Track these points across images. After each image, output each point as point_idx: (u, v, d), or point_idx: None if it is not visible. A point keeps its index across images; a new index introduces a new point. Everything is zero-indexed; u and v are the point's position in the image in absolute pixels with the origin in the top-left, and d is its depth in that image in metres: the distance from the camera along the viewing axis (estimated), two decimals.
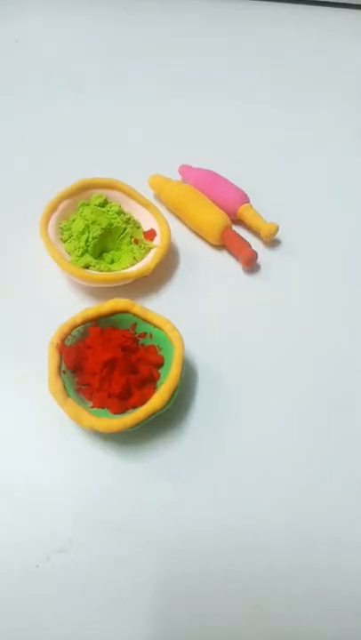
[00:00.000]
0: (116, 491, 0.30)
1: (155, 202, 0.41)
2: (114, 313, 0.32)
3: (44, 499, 0.29)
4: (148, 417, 0.29)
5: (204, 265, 0.39)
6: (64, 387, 0.30)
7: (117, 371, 0.30)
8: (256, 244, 0.39)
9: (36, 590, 0.27)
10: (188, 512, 0.29)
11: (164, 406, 0.29)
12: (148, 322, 0.32)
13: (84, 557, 0.28)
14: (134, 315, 0.32)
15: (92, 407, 0.30)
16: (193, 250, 0.40)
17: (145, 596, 0.27)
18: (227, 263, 0.39)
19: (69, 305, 0.35)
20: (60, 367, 0.30)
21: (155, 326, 0.32)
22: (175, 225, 0.41)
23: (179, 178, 0.43)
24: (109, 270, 0.36)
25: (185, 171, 0.43)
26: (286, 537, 0.29)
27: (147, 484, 0.30)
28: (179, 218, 0.41)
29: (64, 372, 0.30)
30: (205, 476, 0.30)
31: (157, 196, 0.42)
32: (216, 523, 0.29)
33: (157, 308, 0.34)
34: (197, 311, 0.36)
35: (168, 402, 0.29)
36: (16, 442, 0.31)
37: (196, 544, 0.28)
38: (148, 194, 0.41)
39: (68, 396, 0.29)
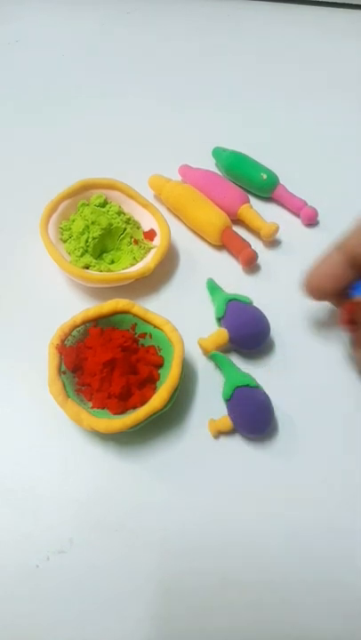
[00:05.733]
0: (116, 491, 0.30)
1: (155, 202, 0.41)
2: (114, 313, 0.32)
3: (44, 499, 0.29)
4: (148, 417, 0.29)
5: (204, 265, 0.39)
6: (64, 387, 0.30)
7: (117, 371, 0.30)
8: (256, 244, 0.39)
9: (36, 590, 0.27)
10: (188, 512, 0.29)
11: (164, 407, 0.29)
12: (149, 322, 0.32)
13: (83, 558, 0.28)
14: (134, 315, 0.32)
15: (92, 407, 0.30)
16: (193, 250, 0.40)
17: (145, 596, 0.27)
18: (227, 263, 0.39)
19: (69, 305, 0.35)
20: (60, 368, 0.30)
21: (155, 327, 0.32)
22: (175, 225, 0.41)
23: (179, 178, 0.43)
24: (109, 270, 0.36)
25: (185, 171, 0.43)
26: (286, 537, 0.29)
27: (147, 484, 0.30)
28: (179, 218, 0.41)
29: (64, 373, 0.30)
30: (205, 476, 0.30)
31: (157, 197, 0.42)
32: (216, 523, 0.29)
33: (157, 308, 0.34)
34: (197, 311, 0.36)
35: (168, 402, 0.29)
36: (16, 442, 0.31)
37: (197, 544, 0.28)
38: (148, 194, 0.41)
39: (68, 396, 0.29)
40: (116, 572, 0.28)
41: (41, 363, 0.31)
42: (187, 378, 0.33)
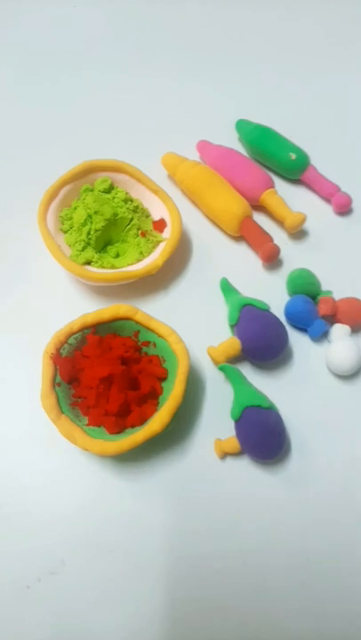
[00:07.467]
0: (113, 510, 0.28)
1: (168, 183, 0.37)
2: (115, 320, 0.29)
3: (36, 519, 0.28)
4: (147, 440, 0.26)
5: (219, 259, 0.35)
6: (58, 401, 0.27)
7: (115, 387, 0.27)
8: (279, 236, 0.35)
9: (26, 612, 0.26)
10: (189, 536, 0.27)
11: (164, 430, 0.26)
12: (152, 331, 0.29)
13: (75, 579, 0.27)
14: (137, 322, 0.29)
15: (87, 425, 0.28)
16: (207, 241, 0.36)
17: (138, 620, 0.26)
18: (245, 257, 0.35)
19: (69, 303, 0.33)
20: (54, 379, 0.28)
21: (159, 335, 0.29)
22: (189, 211, 0.37)
23: (196, 156, 0.38)
24: (113, 266, 0.33)
25: (203, 147, 0.38)
26: (287, 554, 0.27)
27: (145, 505, 0.28)
28: (194, 202, 0.37)
29: (59, 385, 0.28)
30: (208, 499, 0.28)
31: (171, 177, 0.38)
32: (218, 551, 0.27)
33: (165, 308, 0.31)
34: (210, 313, 0.33)
35: (169, 424, 0.27)
36: (9, 459, 0.30)
37: (197, 573, 0.27)
38: (160, 176, 0.37)
39: (62, 411, 0.27)
40: (107, 595, 0.26)
41: (38, 367, 0.28)
42: (193, 390, 0.31)
